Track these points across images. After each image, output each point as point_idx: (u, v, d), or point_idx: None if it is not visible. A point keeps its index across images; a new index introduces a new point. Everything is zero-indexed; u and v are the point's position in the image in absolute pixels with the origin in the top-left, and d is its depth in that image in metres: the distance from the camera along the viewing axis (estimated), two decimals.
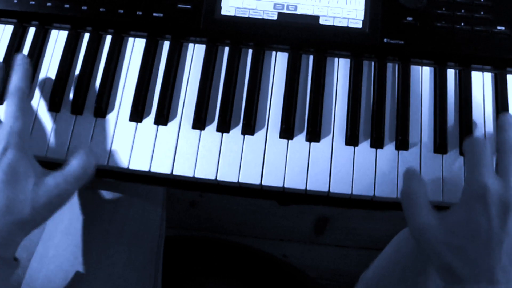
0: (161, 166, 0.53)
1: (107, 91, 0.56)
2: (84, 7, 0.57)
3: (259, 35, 0.56)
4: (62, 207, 0.49)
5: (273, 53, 0.57)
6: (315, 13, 0.56)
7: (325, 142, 0.54)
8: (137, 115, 0.55)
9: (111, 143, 0.54)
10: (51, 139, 0.54)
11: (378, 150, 0.53)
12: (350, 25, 0.56)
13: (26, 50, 0.58)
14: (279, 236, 1.21)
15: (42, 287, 0.58)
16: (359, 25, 0.56)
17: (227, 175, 0.52)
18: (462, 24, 0.56)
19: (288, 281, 0.74)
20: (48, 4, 0.57)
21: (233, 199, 1.20)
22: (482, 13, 0.56)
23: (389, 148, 0.54)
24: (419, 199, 0.47)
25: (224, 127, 0.54)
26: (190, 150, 0.53)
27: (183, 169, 0.53)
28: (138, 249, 0.63)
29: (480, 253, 0.43)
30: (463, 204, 0.46)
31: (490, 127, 0.55)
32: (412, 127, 0.54)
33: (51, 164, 0.54)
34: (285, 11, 0.56)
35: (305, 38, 0.56)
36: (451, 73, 0.57)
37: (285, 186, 0.52)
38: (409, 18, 0.56)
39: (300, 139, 0.54)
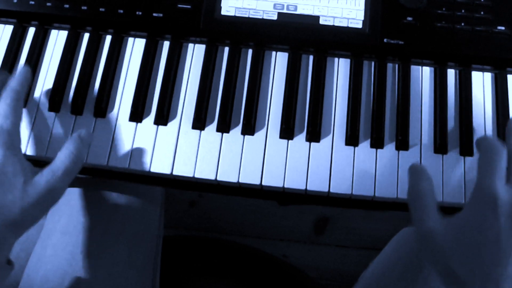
0: (161, 166, 0.53)
1: (107, 91, 0.56)
2: (84, 7, 0.57)
3: (259, 35, 0.56)
4: (54, 205, 0.48)
5: (273, 53, 0.57)
6: (315, 13, 0.56)
7: (325, 142, 0.54)
8: (137, 115, 0.55)
9: (111, 143, 0.54)
10: (51, 139, 0.54)
11: (378, 150, 0.53)
12: (350, 25, 0.56)
13: (25, 50, 0.58)
14: (279, 236, 1.21)
15: (40, 287, 0.58)
16: (359, 25, 0.56)
17: (227, 175, 0.52)
18: (462, 24, 0.56)
19: (288, 281, 0.74)
20: (48, 4, 0.57)
21: (233, 199, 1.20)
22: (482, 13, 0.56)
23: (389, 148, 0.54)
24: (427, 201, 0.45)
25: (224, 127, 0.54)
26: (190, 150, 0.53)
27: (183, 169, 0.53)
28: (136, 249, 0.62)
29: (486, 262, 0.42)
30: (472, 211, 0.44)
31: (490, 127, 0.55)
32: (412, 127, 0.54)
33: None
34: (285, 11, 0.56)
35: (305, 38, 0.56)
36: (451, 73, 0.57)
37: (285, 186, 0.52)
38: (409, 18, 0.56)
39: (300, 139, 0.54)
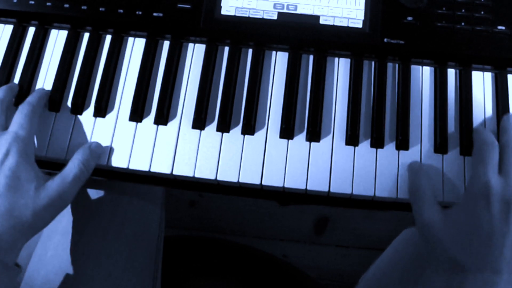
0: (161, 166, 0.53)
1: (107, 91, 0.56)
2: (84, 7, 0.57)
3: (259, 34, 0.56)
4: (63, 209, 0.50)
5: (273, 53, 0.57)
6: (315, 12, 0.56)
7: (325, 142, 0.54)
8: (137, 115, 0.55)
9: (111, 143, 0.54)
10: (51, 138, 0.54)
11: (379, 150, 0.53)
12: (350, 25, 0.56)
13: (25, 49, 0.58)
14: (279, 236, 1.21)
15: (41, 287, 0.58)
16: (359, 25, 0.56)
17: (227, 175, 0.52)
18: (463, 24, 0.56)
19: (288, 281, 0.74)
20: (48, 3, 0.57)
21: (233, 199, 1.20)
22: (482, 12, 0.56)
23: (390, 148, 0.54)
24: (426, 194, 0.49)
25: (224, 127, 0.54)
26: (190, 150, 0.53)
27: (183, 169, 0.53)
28: (137, 249, 0.62)
29: (483, 247, 0.45)
30: (468, 201, 0.47)
31: (490, 127, 0.55)
32: (413, 127, 0.54)
33: (51, 164, 0.54)
34: (285, 10, 0.56)
35: (305, 38, 0.56)
36: (451, 73, 0.57)
37: (285, 186, 0.52)
38: (410, 18, 0.56)
39: (300, 139, 0.54)
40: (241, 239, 1.19)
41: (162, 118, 0.54)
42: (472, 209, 0.46)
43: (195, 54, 0.57)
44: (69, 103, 0.56)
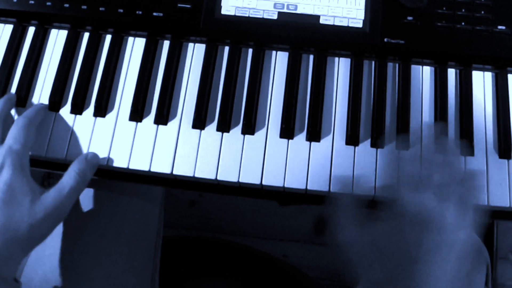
0: (161, 166, 0.53)
1: (107, 91, 0.56)
2: (84, 7, 0.57)
3: (259, 34, 0.56)
4: (61, 221, 0.50)
5: (273, 52, 0.57)
6: (316, 12, 0.56)
7: (325, 141, 0.54)
8: (137, 114, 0.55)
9: (111, 143, 0.54)
10: (51, 139, 0.54)
11: (379, 149, 0.53)
12: (350, 25, 0.56)
13: (25, 49, 0.58)
14: (279, 236, 1.21)
15: (39, 286, 0.58)
16: (360, 25, 0.56)
17: (227, 174, 0.52)
18: (463, 23, 0.56)
19: (288, 281, 0.74)
20: (48, 3, 0.57)
21: (233, 199, 1.19)
22: (482, 12, 0.56)
23: (390, 148, 0.53)
24: (347, 212, 0.48)
25: (224, 126, 0.54)
26: (190, 149, 0.53)
27: (183, 169, 0.53)
28: (136, 248, 0.62)
29: (397, 269, 0.43)
30: (384, 220, 0.46)
31: (490, 126, 0.55)
32: (413, 127, 0.54)
33: (50, 164, 0.54)
34: (285, 10, 0.56)
35: (305, 37, 0.56)
36: (451, 73, 0.57)
37: (285, 186, 0.52)
38: (410, 18, 0.56)
39: (300, 139, 0.54)
40: (241, 239, 1.19)
41: (162, 118, 0.54)
42: (388, 229, 0.45)
43: (195, 54, 0.57)
44: (69, 103, 0.55)
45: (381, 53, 0.56)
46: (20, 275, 0.60)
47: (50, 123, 0.55)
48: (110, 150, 0.54)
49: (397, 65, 0.57)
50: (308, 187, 0.52)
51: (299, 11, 0.56)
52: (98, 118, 0.55)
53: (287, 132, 0.54)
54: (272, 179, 0.52)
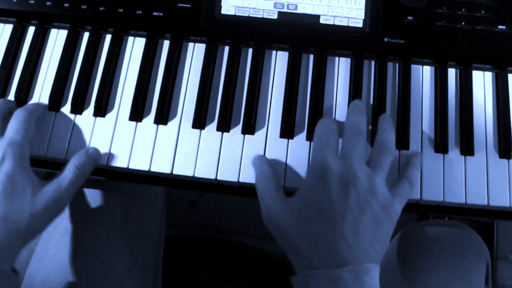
0: (161, 166, 0.53)
1: (107, 91, 0.56)
2: (84, 6, 0.57)
3: (259, 34, 0.56)
4: (60, 214, 0.50)
5: (274, 52, 0.57)
6: (316, 12, 0.56)
7: None
8: (137, 114, 0.55)
9: (111, 143, 0.54)
10: (51, 138, 0.54)
11: None
12: (350, 24, 0.56)
13: (25, 49, 0.58)
14: None
15: (42, 286, 0.58)
16: (360, 25, 0.56)
17: (227, 174, 0.52)
18: (463, 23, 0.56)
19: (288, 280, 0.74)
20: (48, 3, 0.57)
21: (233, 199, 1.19)
22: (482, 12, 0.56)
23: None
24: (267, 183, 0.48)
25: (224, 126, 0.54)
26: (190, 149, 0.53)
27: (183, 169, 0.53)
28: (138, 248, 0.62)
29: (324, 231, 0.43)
30: (307, 184, 0.46)
31: (490, 126, 0.55)
32: (413, 127, 0.54)
33: (50, 164, 0.54)
34: (285, 10, 0.56)
35: (305, 37, 0.56)
36: (451, 73, 0.57)
37: (286, 185, 0.52)
38: (410, 18, 0.56)
39: (300, 139, 0.54)
40: (241, 238, 1.19)
41: (162, 118, 0.54)
42: (312, 192, 0.45)
43: (195, 53, 0.57)
44: (69, 103, 0.55)
45: (381, 53, 0.56)
46: (23, 275, 0.60)
47: (50, 123, 0.55)
48: (110, 150, 0.53)
49: (397, 65, 0.57)
50: None
51: (299, 10, 0.56)
52: (98, 118, 0.55)
53: (287, 132, 0.53)
54: None
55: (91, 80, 0.56)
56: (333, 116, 0.55)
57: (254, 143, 0.53)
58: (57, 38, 0.58)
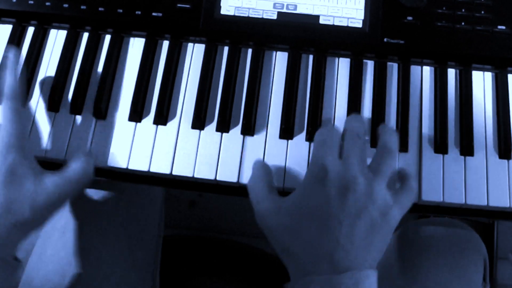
0: (161, 166, 0.53)
1: (106, 91, 0.55)
2: (83, 7, 0.57)
3: (258, 34, 0.56)
4: (61, 207, 0.49)
5: (273, 52, 0.57)
6: (315, 12, 0.56)
7: None
8: (136, 115, 0.55)
9: (110, 143, 0.54)
10: (50, 139, 0.54)
11: None
12: (350, 25, 0.56)
13: (25, 49, 0.58)
14: None
15: (41, 286, 0.58)
16: (359, 25, 0.56)
17: (227, 175, 0.52)
18: (463, 23, 0.56)
19: (288, 280, 0.74)
20: (47, 3, 0.57)
21: (233, 199, 1.19)
22: (482, 12, 0.56)
23: None
24: (259, 185, 0.47)
25: (223, 127, 0.54)
26: (189, 150, 0.53)
27: (182, 169, 0.53)
28: (137, 248, 0.62)
29: (318, 234, 0.42)
30: (304, 186, 0.45)
31: (490, 126, 0.55)
32: (412, 127, 0.54)
33: (50, 164, 0.54)
34: (284, 10, 0.56)
35: (305, 37, 0.56)
36: (451, 73, 0.57)
37: (285, 186, 0.52)
38: (410, 18, 0.56)
39: (300, 139, 0.54)
40: (241, 238, 1.19)
41: (162, 118, 0.54)
42: (308, 194, 0.44)
43: (194, 54, 0.57)
44: (68, 103, 0.55)
45: (381, 53, 0.56)
46: (21, 275, 0.60)
47: (49, 123, 0.55)
48: (109, 150, 0.53)
49: (397, 65, 0.57)
50: None
51: (298, 11, 0.56)
52: (98, 118, 0.55)
53: (286, 132, 0.53)
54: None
55: (90, 80, 0.56)
56: (333, 116, 0.55)
57: (254, 144, 0.53)
58: (56, 38, 0.58)
